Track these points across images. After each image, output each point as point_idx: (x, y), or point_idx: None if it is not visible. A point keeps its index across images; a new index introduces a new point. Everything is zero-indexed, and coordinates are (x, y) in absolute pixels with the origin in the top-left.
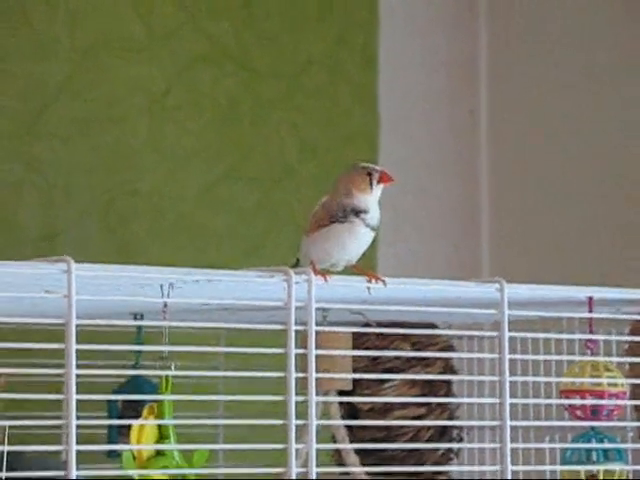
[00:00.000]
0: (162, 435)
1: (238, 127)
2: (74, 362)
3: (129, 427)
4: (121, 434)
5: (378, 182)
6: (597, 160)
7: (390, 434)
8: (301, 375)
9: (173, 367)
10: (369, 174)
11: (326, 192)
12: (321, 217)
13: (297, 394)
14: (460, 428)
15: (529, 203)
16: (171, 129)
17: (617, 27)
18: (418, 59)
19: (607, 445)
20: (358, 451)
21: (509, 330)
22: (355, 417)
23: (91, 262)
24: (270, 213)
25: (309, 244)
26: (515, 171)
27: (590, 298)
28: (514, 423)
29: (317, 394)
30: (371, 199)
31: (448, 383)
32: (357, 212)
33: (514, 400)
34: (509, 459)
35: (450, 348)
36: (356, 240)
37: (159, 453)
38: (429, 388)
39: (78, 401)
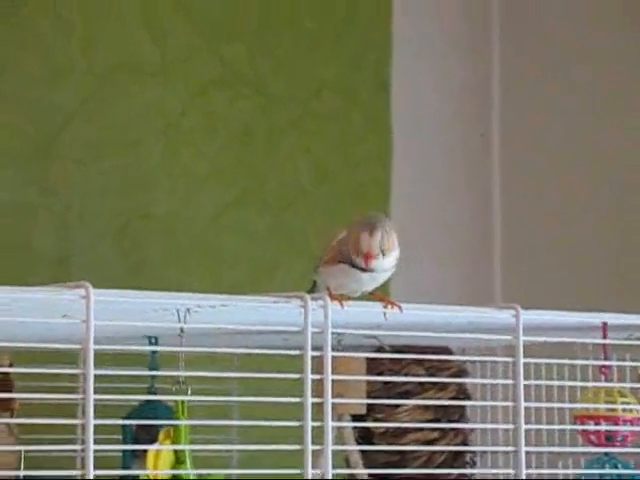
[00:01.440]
0: (178, 459)
1: (252, 151)
2: (92, 387)
3: (143, 449)
4: (135, 456)
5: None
6: (611, 184)
7: (404, 457)
8: (317, 400)
9: (189, 391)
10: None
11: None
12: (336, 253)
13: (312, 418)
14: (474, 452)
15: (542, 227)
16: (185, 153)
17: (628, 51)
18: (431, 83)
19: (621, 471)
20: (372, 474)
21: (523, 355)
22: (369, 440)
23: (105, 285)
24: (283, 237)
25: (326, 275)
26: (527, 194)
27: (604, 324)
28: (529, 449)
29: (332, 418)
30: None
31: (462, 407)
32: (363, 270)
33: (529, 426)
34: None
35: (464, 372)
36: (372, 280)
37: (175, 477)
38: (443, 412)
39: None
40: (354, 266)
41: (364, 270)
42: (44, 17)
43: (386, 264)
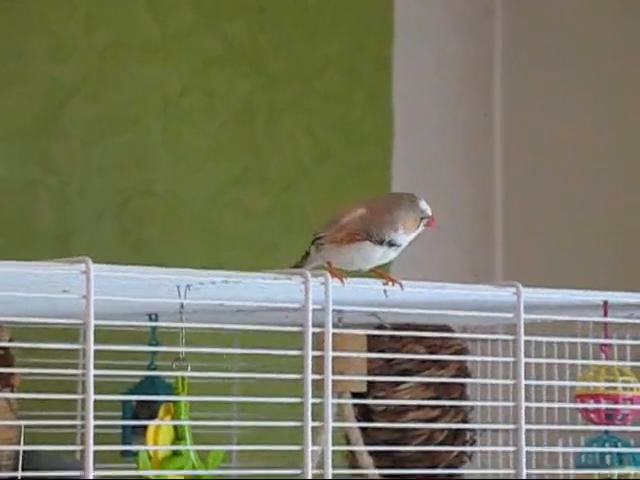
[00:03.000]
0: (178, 435)
1: (252, 129)
2: (92, 363)
3: (143, 426)
4: (135, 433)
5: (425, 225)
6: (612, 164)
7: (404, 435)
8: (317, 377)
9: (189, 368)
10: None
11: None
12: (355, 230)
13: (312, 396)
14: (474, 430)
15: (543, 206)
16: (186, 130)
17: (633, 35)
18: (433, 63)
19: (622, 449)
20: (372, 452)
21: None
22: (369, 418)
23: (105, 262)
24: (283, 215)
25: (336, 252)
26: (529, 174)
27: (605, 302)
28: (529, 426)
29: (332, 396)
30: (410, 237)
31: (462, 385)
32: (392, 245)
33: (530, 404)
34: (524, 463)
35: (464, 350)
36: (383, 258)
37: (175, 453)
38: (443, 390)
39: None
40: (380, 243)
41: (391, 246)
42: None
43: (407, 240)
